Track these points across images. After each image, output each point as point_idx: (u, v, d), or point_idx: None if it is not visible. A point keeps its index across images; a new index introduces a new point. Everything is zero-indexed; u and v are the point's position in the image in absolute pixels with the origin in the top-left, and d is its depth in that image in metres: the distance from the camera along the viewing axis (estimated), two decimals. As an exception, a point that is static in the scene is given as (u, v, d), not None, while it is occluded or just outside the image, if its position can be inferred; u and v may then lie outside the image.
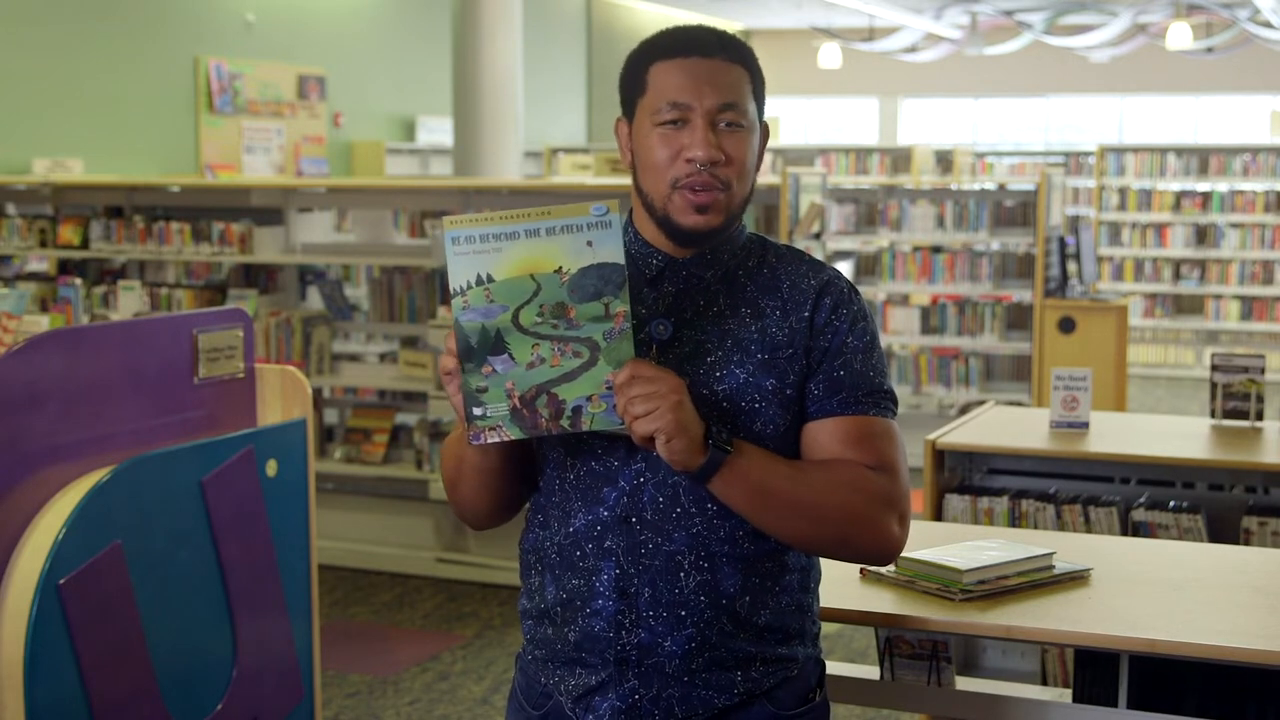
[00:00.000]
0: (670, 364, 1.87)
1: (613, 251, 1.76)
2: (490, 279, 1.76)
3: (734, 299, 1.92)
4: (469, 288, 1.76)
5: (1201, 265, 12.35)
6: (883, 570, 2.57)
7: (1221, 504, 3.75)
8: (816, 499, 1.85)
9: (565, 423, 1.78)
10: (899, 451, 1.91)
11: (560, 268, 1.75)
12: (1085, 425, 3.93)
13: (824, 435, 1.90)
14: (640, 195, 1.94)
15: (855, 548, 1.91)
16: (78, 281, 6.38)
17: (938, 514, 3.80)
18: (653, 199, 1.91)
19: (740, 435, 1.86)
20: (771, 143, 15.66)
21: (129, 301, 6.28)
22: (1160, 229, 12.38)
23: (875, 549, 1.91)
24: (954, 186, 9.19)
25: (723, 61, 1.90)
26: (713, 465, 1.80)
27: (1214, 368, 4.05)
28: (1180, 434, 4.01)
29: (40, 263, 7.37)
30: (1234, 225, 12.18)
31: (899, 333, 8.35)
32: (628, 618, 1.88)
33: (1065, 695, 2.72)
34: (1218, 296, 12.29)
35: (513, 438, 1.79)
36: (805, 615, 1.98)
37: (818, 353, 1.91)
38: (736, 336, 1.90)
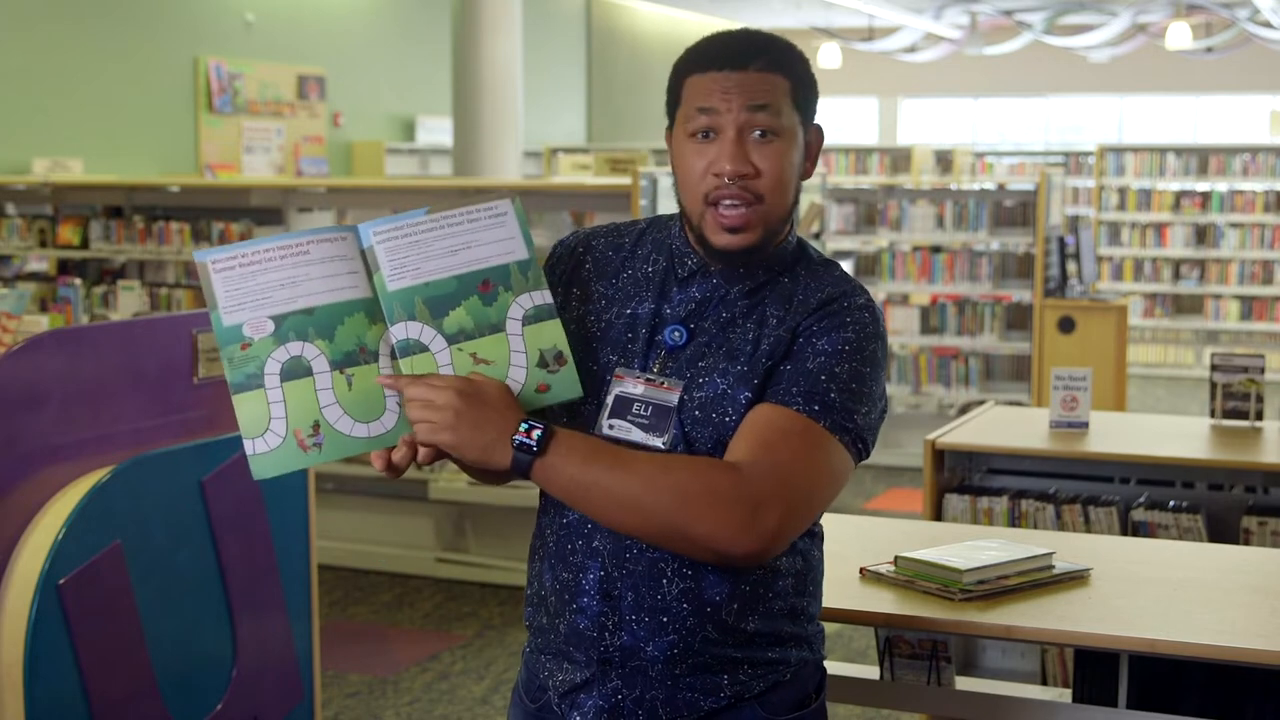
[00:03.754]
0: (672, 370, 1.86)
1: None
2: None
3: (749, 309, 1.88)
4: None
5: (1201, 265, 12.34)
6: (883, 570, 2.57)
7: (1221, 504, 3.75)
8: (639, 491, 1.74)
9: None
10: (808, 459, 1.77)
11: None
12: (1085, 425, 3.93)
13: (744, 422, 1.82)
14: (680, 206, 1.93)
15: (695, 542, 1.75)
16: (77, 281, 6.39)
17: (937, 514, 3.80)
18: (690, 213, 1.89)
19: (709, 447, 1.82)
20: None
21: (129, 301, 6.28)
22: (1160, 229, 12.37)
23: (715, 543, 1.74)
24: (954, 186, 9.19)
25: (756, 72, 1.85)
26: (520, 466, 1.75)
27: (1214, 367, 4.05)
28: (1180, 434, 4.01)
29: (40, 263, 7.38)
30: (1234, 225, 12.18)
31: (899, 333, 8.35)
32: (610, 620, 1.87)
33: (1065, 695, 2.72)
34: (1217, 296, 12.29)
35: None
36: (800, 618, 1.93)
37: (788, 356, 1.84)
38: (732, 346, 1.86)
